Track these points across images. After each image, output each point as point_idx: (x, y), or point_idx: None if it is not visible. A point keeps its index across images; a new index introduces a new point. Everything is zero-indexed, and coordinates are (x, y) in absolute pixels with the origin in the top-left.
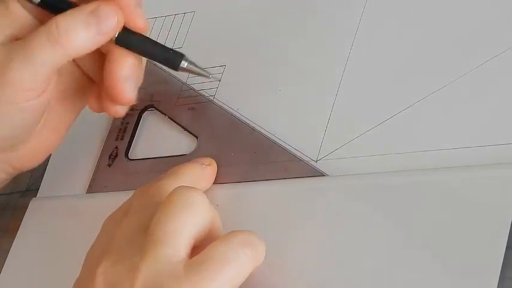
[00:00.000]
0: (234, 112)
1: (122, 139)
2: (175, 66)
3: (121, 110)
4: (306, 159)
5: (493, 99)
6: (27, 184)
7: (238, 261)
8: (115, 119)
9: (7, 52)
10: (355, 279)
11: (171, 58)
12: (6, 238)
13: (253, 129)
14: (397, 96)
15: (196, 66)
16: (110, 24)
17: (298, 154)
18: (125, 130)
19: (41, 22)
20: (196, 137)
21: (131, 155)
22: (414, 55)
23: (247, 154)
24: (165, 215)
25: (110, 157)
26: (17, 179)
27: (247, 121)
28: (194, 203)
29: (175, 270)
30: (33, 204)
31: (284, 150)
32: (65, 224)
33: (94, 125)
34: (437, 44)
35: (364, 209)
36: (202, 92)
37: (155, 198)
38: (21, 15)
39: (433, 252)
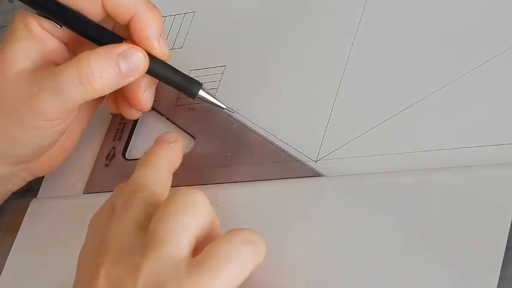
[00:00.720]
0: (233, 112)
1: (119, 139)
2: (193, 95)
3: (137, 114)
4: (305, 159)
5: (493, 99)
6: (28, 184)
7: (239, 259)
8: (113, 120)
9: (36, 81)
10: (355, 279)
11: (190, 87)
12: (7, 238)
13: (252, 129)
14: (397, 96)
15: (212, 96)
16: (139, 68)
17: (298, 154)
18: (122, 130)
19: (65, 44)
20: (194, 138)
21: (128, 155)
22: (414, 55)
23: (245, 154)
24: (167, 213)
25: (107, 157)
26: None
27: (247, 121)
28: (196, 203)
29: (177, 269)
30: (34, 205)
31: (284, 150)
32: (64, 224)
33: (92, 126)
34: (437, 44)
35: (364, 209)
36: None
37: (138, 192)
38: (44, 38)
39: (433, 252)
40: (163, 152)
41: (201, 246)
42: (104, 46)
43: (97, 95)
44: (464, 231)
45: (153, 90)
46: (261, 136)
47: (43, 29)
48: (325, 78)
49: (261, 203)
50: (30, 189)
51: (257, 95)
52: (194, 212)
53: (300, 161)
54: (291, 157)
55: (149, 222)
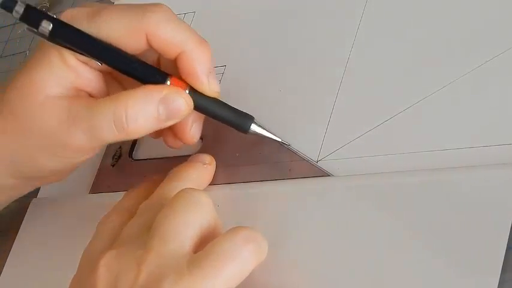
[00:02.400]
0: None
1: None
2: (245, 131)
3: (181, 144)
4: (306, 159)
5: (494, 99)
6: None
7: (241, 257)
8: None
9: (69, 113)
10: (357, 278)
11: (241, 122)
12: (7, 239)
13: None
14: (398, 96)
15: (265, 129)
16: (180, 114)
17: (299, 154)
18: None
19: (100, 71)
20: (201, 138)
21: (135, 156)
22: (414, 55)
23: (254, 154)
24: (172, 211)
25: (113, 157)
26: None
27: None
28: (200, 203)
29: (178, 265)
30: (34, 205)
31: (285, 150)
32: (66, 224)
33: None
34: (437, 44)
35: (364, 209)
36: None
37: (162, 201)
38: (79, 69)
39: (434, 252)
40: (194, 170)
41: (204, 245)
42: (144, 88)
43: (130, 138)
44: (465, 232)
45: (201, 123)
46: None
47: (79, 60)
48: (325, 78)
49: (262, 203)
50: None
51: (257, 95)
52: (197, 211)
53: (303, 161)
54: (294, 157)
55: None
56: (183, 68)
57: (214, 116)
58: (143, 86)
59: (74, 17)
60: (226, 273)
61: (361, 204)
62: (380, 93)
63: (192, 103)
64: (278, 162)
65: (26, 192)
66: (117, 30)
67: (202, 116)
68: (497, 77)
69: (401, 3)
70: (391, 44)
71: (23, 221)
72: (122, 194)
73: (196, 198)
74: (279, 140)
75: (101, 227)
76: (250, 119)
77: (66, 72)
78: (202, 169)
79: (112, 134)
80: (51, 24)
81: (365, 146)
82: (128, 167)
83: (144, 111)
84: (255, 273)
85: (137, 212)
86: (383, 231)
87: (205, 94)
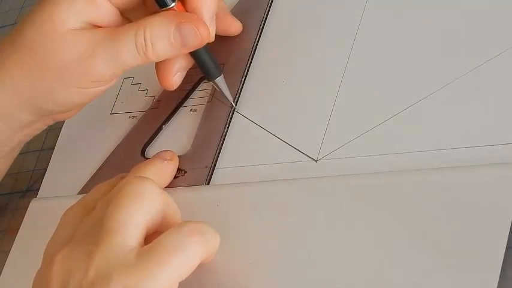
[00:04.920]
0: (232, 108)
1: None
2: (213, 79)
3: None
4: (306, 159)
5: (493, 99)
6: (28, 185)
7: (187, 249)
8: None
9: (91, 42)
10: (355, 278)
11: (213, 72)
12: (7, 239)
13: (251, 129)
14: (398, 96)
15: (226, 88)
16: (194, 42)
17: (299, 154)
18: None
19: (117, 7)
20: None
21: (147, 154)
22: (414, 55)
23: (246, 154)
24: (116, 205)
25: None
26: (17, 179)
27: (247, 121)
28: (143, 193)
29: (126, 258)
30: (34, 205)
31: (284, 150)
32: None
33: (94, 126)
34: (437, 44)
35: (364, 209)
36: (203, 93)
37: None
38: (99, 2)
39: (433, 252)
40: (152, 167)
41: (157, 233)
42: (164, 14)
43: (151, 62)
44: (464, 231)
45: (184, 73)
46: (264, 136)
47: None
48: (325, 78)
49: (262, 203)
50: (30, 189)
51: (257, 94)
52: (141, 201)
53: (303, 161)
54: (294, 156)
55: None
56: (190, 6)
57: (198, 57)
58: (163, 12)
59: None
60: (172, 265)
61: (360, 204)
62: (380, 93)
63: (209, 35)
64: (273, 162)
65: (38, 131)
66: None
67: (188, 66)
68: (496, 77)
69: (402, 3)
70: (391, 44)
71: (23, 221)
72: None
73: (138, 188)
74: (232, 102)
75: (64, 220)
76: (220, 71)
77: (87, 6)
78: (162, 165)
79: (134, 58)
80: None
81: (364, 146)
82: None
83: (162, 36)
84: (255, 273)
85: (95, 208)
86: (382, 231)
87: (231, 33)
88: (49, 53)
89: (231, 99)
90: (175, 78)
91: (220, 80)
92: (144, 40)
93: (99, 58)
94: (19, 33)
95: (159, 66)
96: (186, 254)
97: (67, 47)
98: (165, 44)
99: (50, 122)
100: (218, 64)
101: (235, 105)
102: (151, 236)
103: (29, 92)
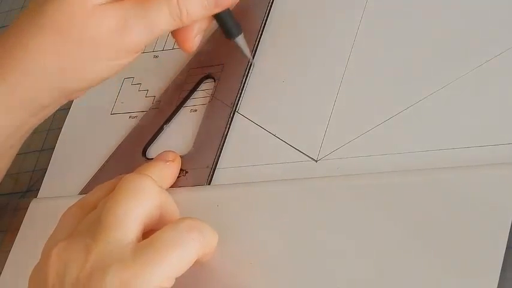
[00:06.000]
0: (234, 112)
1: None
2: (233, 37)
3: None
4: (306, 159)
5: (493, 99)
6: (28, 185)
7: (184, 245)
8: None
9: (122, 16)
10: (356, 278)
11: (235, 30)
12: (7, 239)
13: (252, 129)
14: (398, 96)
15: (246, 45)
16: (228, 1)
17: (299, 154)
18: None
19: None
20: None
21: (148, 154)
22: (414, 55)
23: (247, 155)
24: (114, 201)
25: None
26: (17, 179)
27: (247, 121)
28: (141, 189)
29: (123, 253)
30: (34, 205)
31: (285, 150)
32: None
33: (94, 127)
34: (437, 44)
35: (364, 209)
36: (204, 93)
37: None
38: None
39: (433, 252)
40: (154, 169)
41: (154, 230)
42: None
43: (185, 25)
44: (464, 231)
45: (201, 36)
46: (264, 136)
47: None
48: (325, 78)
49: (262, 203)
50: (30, 189)
51: (257, 94)
52: (140, 197)
53: (303, 161)
54: (294, 157)
55: None
56: None
57: (221, 17)
58: None
59: None
60: (168, 261)
61: (361, 204)
62: (380, 93)
63: None
64: (273, 162)
65: (50, 114)
66: None
67: (207, 27)
68: (496, 77)
69: (402, 3)
70: (391, 44)
71: (23, 221)
72: None
73: (137, 186)
74: (251, 60)
75: (62, 220)
76: (240, 30)
77: None
78: (164, 166)
79: (169, 24)
80: None
81: (365, 146)
82: (138, 166)
83: (195, 2)
84: (256, 273)
85: (97, 207)
86: (382, 231)
87: None
88: (80, 33)
89: (250, 57)
90: (195, 40)
91: (240, 39)
92: (178, 4)
93: (133, 29)
94: (41, 16)
95: (178, 29)
96: (184, 249)
97: (98, 23)
98: (199, 5)
99: (64, 102)
100: (238, 23)
101: (252, 63)
102: (149, 233)
103: (59, 74)
